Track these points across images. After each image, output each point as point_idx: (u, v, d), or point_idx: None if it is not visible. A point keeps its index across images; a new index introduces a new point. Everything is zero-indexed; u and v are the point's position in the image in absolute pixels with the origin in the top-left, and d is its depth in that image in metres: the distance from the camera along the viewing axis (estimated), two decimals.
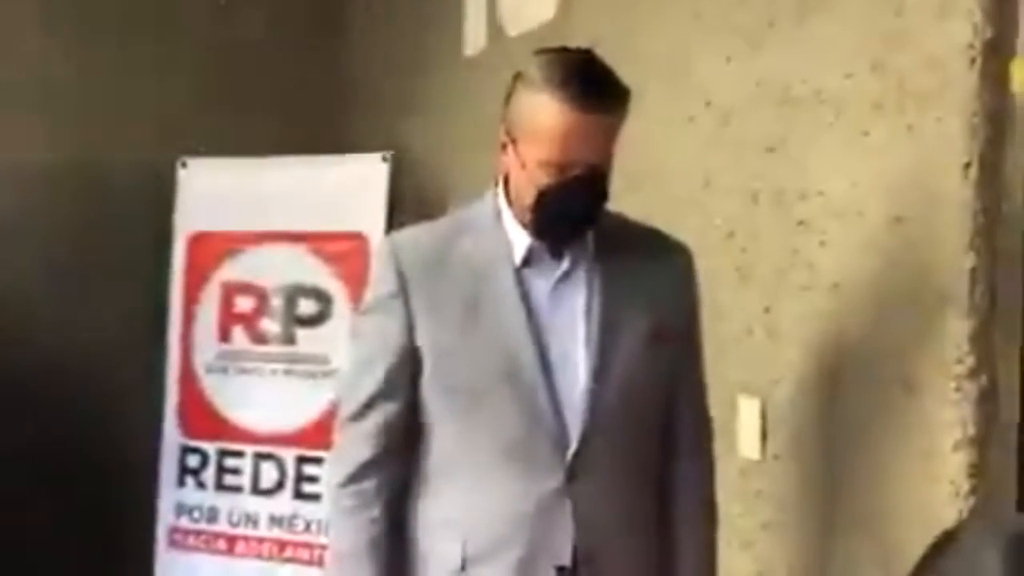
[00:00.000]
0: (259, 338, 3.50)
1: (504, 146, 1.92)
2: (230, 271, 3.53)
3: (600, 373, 1.93)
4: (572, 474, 1.92)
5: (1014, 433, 2.04)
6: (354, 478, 1.98)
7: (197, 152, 3.55)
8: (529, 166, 1.87)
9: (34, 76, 3.64)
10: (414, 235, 2.03)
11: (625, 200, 2.07)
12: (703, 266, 2.11)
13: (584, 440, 1.92)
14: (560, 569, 1.92)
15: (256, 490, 3.45)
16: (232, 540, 3.47)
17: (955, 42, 2.01)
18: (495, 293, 1.94)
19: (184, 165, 3.57)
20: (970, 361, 2.02)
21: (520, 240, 1.96)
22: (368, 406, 1.97)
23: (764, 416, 2.43)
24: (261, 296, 3.50)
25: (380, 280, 1.98)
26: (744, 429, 2.45)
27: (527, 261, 1.96)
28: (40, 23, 3.63)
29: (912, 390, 2.10)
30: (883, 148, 2.17)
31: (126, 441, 3.56)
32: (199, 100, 3.79)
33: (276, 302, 3.48)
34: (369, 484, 1.97)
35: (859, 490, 2.22)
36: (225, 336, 3.53)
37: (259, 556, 3.39)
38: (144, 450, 3.52)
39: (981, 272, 2.02)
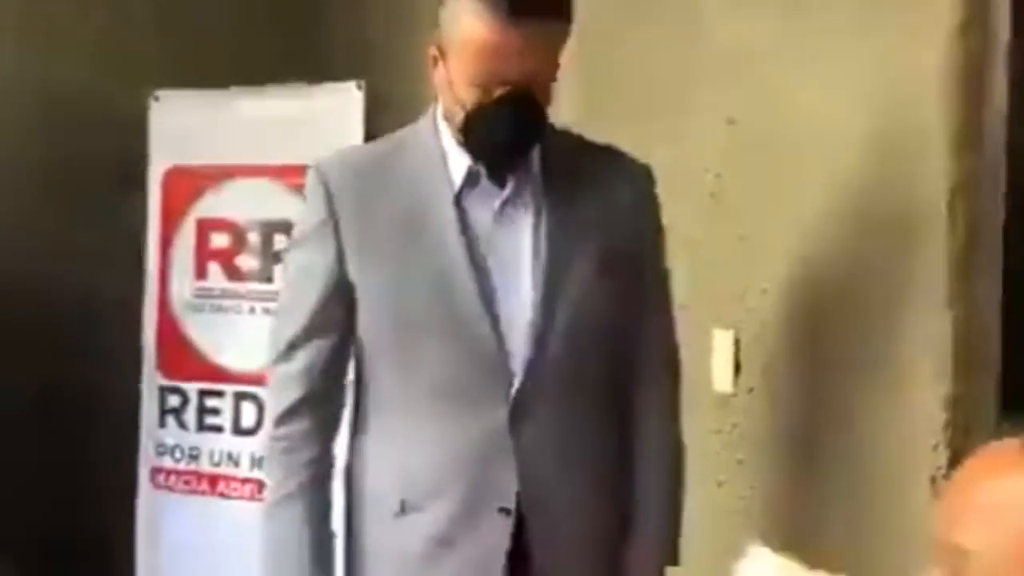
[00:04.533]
0: (236, 275, 3.38)
1: (435, 60, 1.76)
2: (205, 207, 3.40)
3: (546, 305, 1.79)
4: (516, 412, 1.78)
5: (994, 353, 1.89)
6: (284, 420, 1.86)
7: (168, 85, 3.41)
8: (456, 84, 1.71)
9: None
10: (345, 159, 1.89)
11: (591, 121, 1.92)
12: (675, 193, 1.96)
13: (529, 376, 1.78)
14: (504, 512, 1.78)
15: (237, 430, 3.35)
16: (214, 480, 3.38)
17: None
18: (433, 221, 1.80)
19: (156, 99, 3.43)
20: (949, 288, 1.87)
21: (459, 163, 1.81)
22: (295, 345, 1.84)
23: (738, 349, 2.28)
24: (237, 232, 3.37)
25: (308, 209, 1.84)
26: (718, 362, 2.31)
27: (467, 186, 1.81)
28: None
29: (889, 320, 1.96)
30: (862, 70, 2.01)
31: (105, 383, 3.47)
32: (168, 31, 3.64)
33: (252, 238, 3.35)
34: (299, 426, 1.85)
35: (835, 424, 2.09)
36: (201, 274, 3.41)
37: (241, 496, 3.29)
38: (124, 392, 3.42)
39: (960, 193, 1.88)
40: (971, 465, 0.93)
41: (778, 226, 2.18)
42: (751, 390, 2.27)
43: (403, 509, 1.81)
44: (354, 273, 1.81)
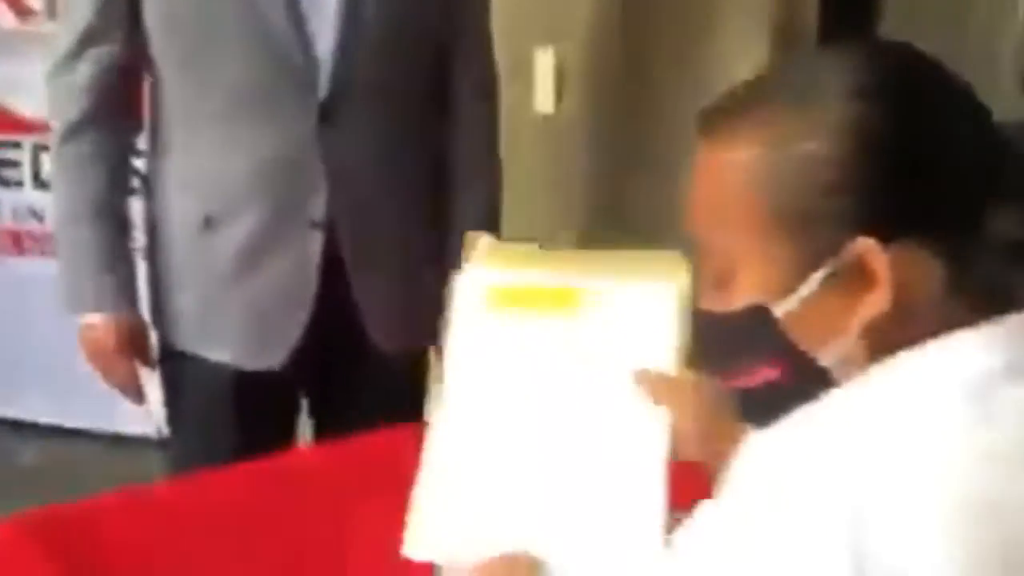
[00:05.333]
0: (24, 15, 3.11)
1: None
2: None
3: (353, 6, 1.65)
4: (324, 118, 1.66)
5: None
6: (71, 134, 1.71)
7: None
8: None
9: None
10: None
11: None
12: None
13: (336, 80, 1.66)
14: (314, 224, 1.69)
15: (38, 183, 3.15)
16: (16, 236, 3.19)
17: None
18: None
19: None
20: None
21: None
22: (77, 52, 1.68)
23: (560, 69, 2.19)
24: None
25: None
26: (540, 82, 2.22)
27: None
28: None
29: (710, 24, 1.89)
30: None
31: None
32: None
33: None
34: (88, 140, 1.70)
35: (659, 134, 2.03)
36: None
37: (45, 253, 3.10)
38: None
39: None
40: None
41: None
42: (573, 111, 2.20)
43: (208, 224, 1.70)
44: None
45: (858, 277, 0.77)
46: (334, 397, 1.83)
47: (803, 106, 0.78)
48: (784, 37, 1.85)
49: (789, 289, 0.79)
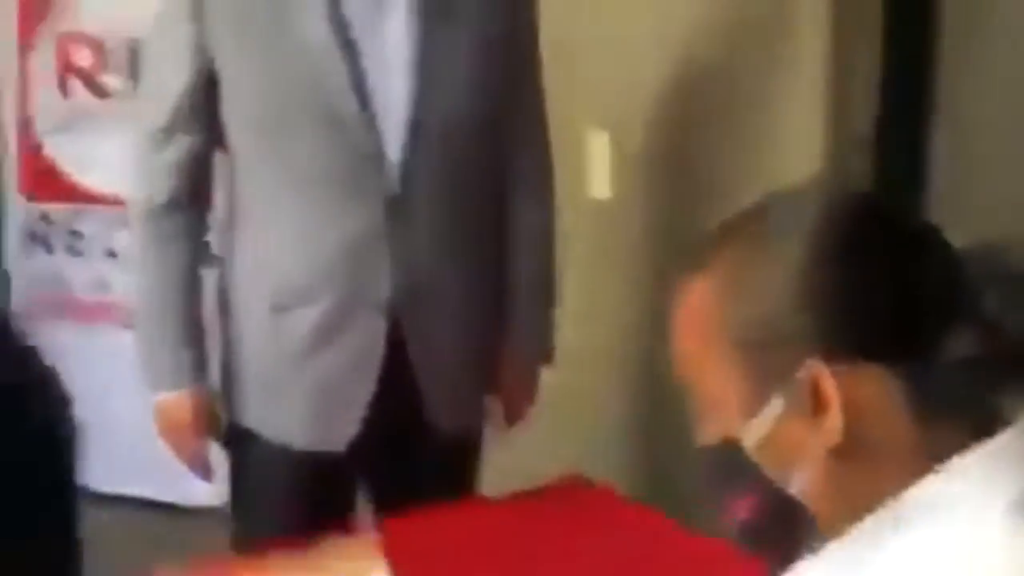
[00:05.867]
0: (101, 92, 3.22)
1: None
2: (64, 21, 3.22)
3: (422, 95, 1.73)
4: (391, 209, 1.73)
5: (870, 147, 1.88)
6: (152, 216, 1.79)
7: None
8: None
9: None
10: None
11: None
12: None
13: (404, 170, 1.73)
14: (378, 311, 1.75)
15: (109, 254, 3.25)
16: (86, 307, 3.29)
17: None
18: (300, 4, 1.70)
19: None
20: (826, 86, 1.85)
21: None
22: (162, 138, 1.77)
23: (615, 152, 2.25)
24: (100, 48, 3.20)
25: None
26: (594, 167, 2.28)
27: None
28: None
29: (766, 116, 1.94)
30: None
31: None
32: None
33: (119, 55, 3.19)
34: (168, 223, 1.79)
35: (712, 220, 2.07)
36: (65, 92, 3.25)
37: (114, 322, 3.20)
38: None
39: None
40: None
41: (655, 24, 2.13)
42: (627, 196, 2.25)
43: (277, 307, 1.77)
44: (218, 58, 1.72)
45: (814, 402, 0.79)
46: (392, 473, 1.88)
47: (765, 242, 0.83)
48: (840, 127, 1.89)
49: (753, 417, 0.82)
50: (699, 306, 0.85)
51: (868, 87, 1.85)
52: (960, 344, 0.79)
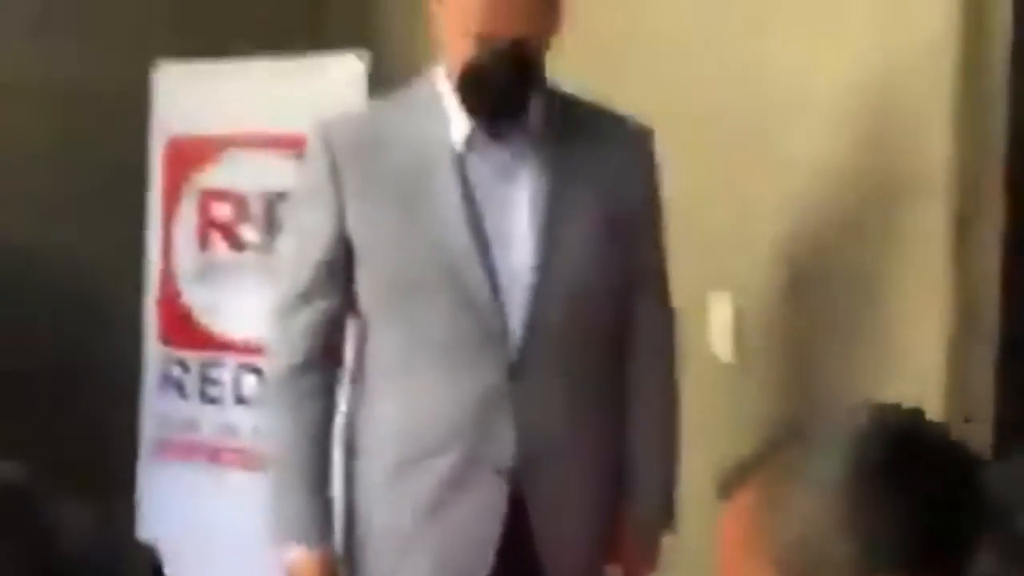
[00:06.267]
0: (238, 246, 3.36)
1: (435, 12, 1.75)
2: (207, 177, 3.38)
3: (545, 265, 1.79)
4: (514, 373, 1.78)
5: (993, 327, 1.87)
6: (288, 376, 1.86)
7: (170, 56, 3.40)
8: (453, 38, 1.70)
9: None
10: (347, 117, 1.90)
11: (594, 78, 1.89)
12: (673, 153, 1.94)
13: (527, 337, 1.78)
14: (500, 473, 1.78)
15: (238, 400, 3.34)
16: (215, 450, 3.37)
17: None
18: (431, 179, 1.79)
19: (157, 69, 3.41)
20: (947, 257, 1.85)
21: (458, 122, 1.80)
22: (298, 304, 1.85)
23: (737, 314, 2.26)
24: (239, 202, 3.35)
25: (310, 166, 1.85)
26: (716, 327, 2.29)
27: (467, 144, 1.80)
28: None
29: (887, 286, 1.94)
30: (860, 28, 1.98)
31: (110, 352, 3.46)
32: (170, 1, 3.63)
33: (255, 209, 3.33)
34: (303, 383, 1.85)
35: (833, 391, 2.07)
36: (204, 244, 3.39)
37: (242, 466, 3.27)
38: (128, 361, 3.42)
39: (958, 159, 1.85)
40: None
41: (776, 189, 2.16)
42: (749, 357, 2.25)
43: (400, 469, 1.81)
44: (354, 230, 1.80)
45: None
46: None
47: (803, 464, 0.86)
48: (960, 303, 1.88)
49: None
50: (741, 522, 0.87)
51: (990, 262, 1.84)
52: (990, 562, 0.81)
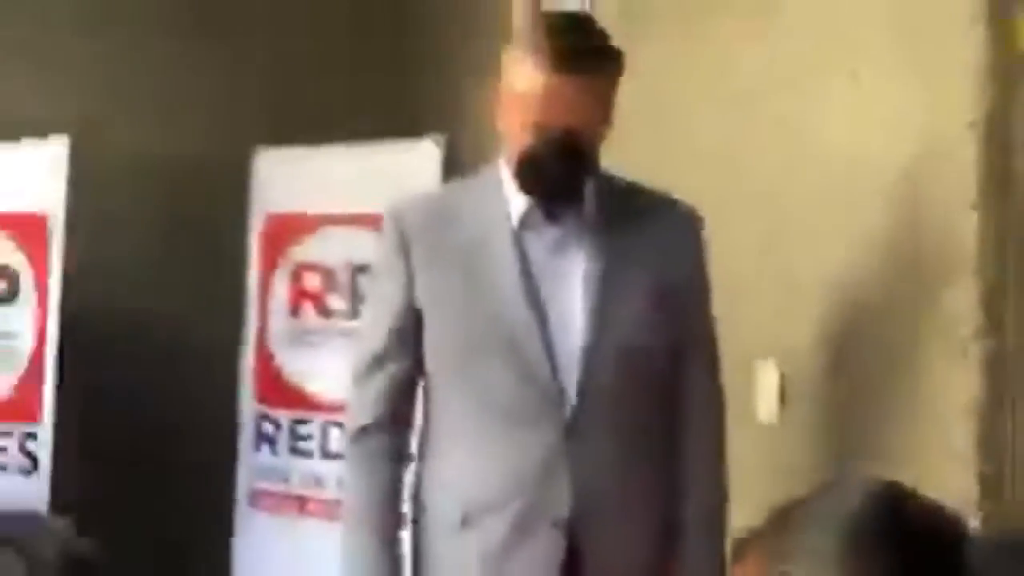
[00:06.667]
0: (326, 313, 3.42)
1: (497, 107, 1.79)
2: (300, 251, 3.46)
3: (597, 333, 1.80)
4: (569, 433, 1.79)
5: (1020, 398, 1.83)
6: (362, 435, 1.88)
7: (270, 142, 3.50)
8: (513, 128, 1.73)
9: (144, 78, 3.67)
10: (417, 198, 1.94)
11: (644, 164, 1.91)
12: (724, 232, 1.94)
13: (581, 400, 1.79)
14: (557, 525, 1.78)
15: (324, 455, 3.37)
16: (303, 501, 3.40)
17: (963, 3, 1.81)
18: (492, 255, 1.81)
19: (257, 155, 3.51)
20: (975, 327, 1.82)
21: (517, 202, 1.83)
22: (374, 364, 1.86)
23: (783, 381, 2.24)
24: (328, 274, 3.41)
25: (383, 242, 1.88)
26: (761, 392, 2.27)
27: (525, 224, 1.82)
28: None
29: (920, 355, 1.91)
30: (895, 112, 1.98)
31: (210, 409, 3.53)
32: (270, 93, 3.74)
33: (342, 279, 3.39)
34: (376, 442, 1.87)
35: (871, 457, 2.03)
36: (295, 312, 3.46)
37: (327, 516, 3.29)
38: (226, 418, 3.48)
39: (987, 233, 1.83)
40: None
41: (818, 266, 2.15)
42: (794, 423, 2.22)
43: (464, 522, 1.81)
44: (423, 302, 1.83)
45: None
46: None
47: (798, 535, 0.85)
48: (986, 356, 1.84)
49: None
50: None
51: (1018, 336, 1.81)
52: None
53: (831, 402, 2.15)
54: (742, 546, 0.89)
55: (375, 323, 1.87)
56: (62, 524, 0.74)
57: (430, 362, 1.85)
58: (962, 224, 1.86)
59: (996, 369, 1.82)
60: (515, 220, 1.82)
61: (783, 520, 0.89)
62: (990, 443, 1.81)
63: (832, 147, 2.13)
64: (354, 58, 3.81)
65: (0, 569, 0.70)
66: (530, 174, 1.75)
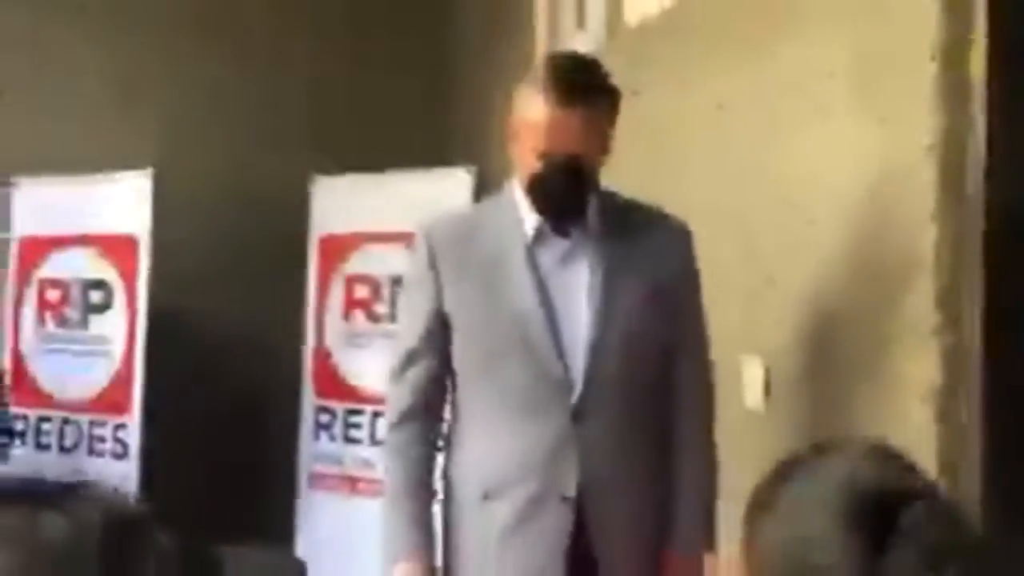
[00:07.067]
0: (373, 318, 3.46)
1: (511, 136, 1.80)
2: (351, 265, 3.51)
3: (600, 329, 1.81)
4: (576, 417, 1.79)
5: (977, 385, 1.81)
6: (399, 423, 1.89)
7: (327, 170, 3.57)
8: (524, 154, 1.75)
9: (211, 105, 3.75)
10: (443, 218, 1.95)
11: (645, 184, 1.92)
12: (711, 243, 1.95)
13: (586, 386, 1.80)
14: (566, 500, 1.78)
15: (373, 441, 3.40)
16: (354, 481, 3.44)
17: (920, 37, 1.81)
18: (509, 266, 1.83)
19: (314, 182, 3.57)
20: (935, 322, 1.80)
21: (530, 220, 1.85)
22: (406, 365, 1.88)
23: (767, 374, 2.23)
24: (375, 285, 3.46)
25: (415, 259, 1.90)
26: (748, 383, 2.26)
27: (537, 239, 1.84)
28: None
29: (889, 348, 1.90)
30: (859, 137, 1.97)
31: (275, 403, 3.58)
32: (325, 129, 3.80)
33: (386, 290, 3.43)
34: (411, 429, 1.88)
35: (844, 430, 2.01)
36: (348, 317, 3.50)
37: (374, 494, 3.31)
38: (288, 409, 3.53)
39: (944, 242, 1.82)
40: None
41: (796, 269, 2.15)
42: (777, 410, 2.22)
43: (485, 498, 1.82)
44: (449, 308, 1.84)
45: None
46: None
47: (785, 486, 0.86)
48: (944, 350, 1.83)
49: None
50: (750, 560, 0.88)
51: (971, 327, 1.79)
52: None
53: (809, 391, 2.14)
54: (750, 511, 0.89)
55: (409, 327, 1.89)
56: (110, 489, 0.75)
57: (457, 362, 1.87)
58: (922, 234, 1.85)
59: (953, 361, 1.80)
60: (529, 235, 1.83)
61: (778, 474, 0.89)
62: (947, 425, 1.80)
63: (807, 174, 2.13)
64: (396, 98, 3.86)
65: (43, 529, 0.72)
66: (540, 195, 1.77)
